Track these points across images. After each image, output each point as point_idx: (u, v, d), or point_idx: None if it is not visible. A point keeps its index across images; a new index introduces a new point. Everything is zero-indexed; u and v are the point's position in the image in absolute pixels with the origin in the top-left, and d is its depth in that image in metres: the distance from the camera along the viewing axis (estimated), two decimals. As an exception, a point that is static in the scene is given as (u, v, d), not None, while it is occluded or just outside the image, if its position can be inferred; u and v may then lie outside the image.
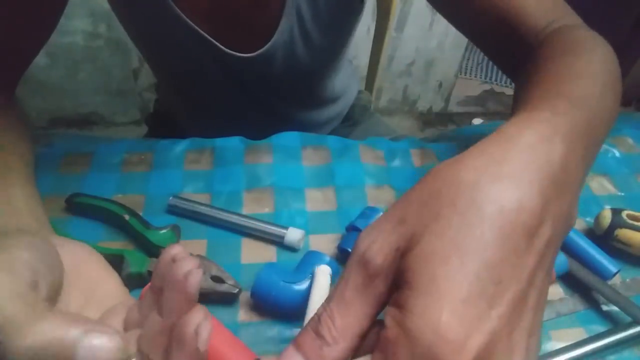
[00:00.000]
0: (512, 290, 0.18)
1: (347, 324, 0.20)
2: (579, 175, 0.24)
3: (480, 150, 0.22)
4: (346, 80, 0.74)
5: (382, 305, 0.20)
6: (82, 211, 0.43)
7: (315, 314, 0.21)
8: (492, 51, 0.48)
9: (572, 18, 0.44)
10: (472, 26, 0.48)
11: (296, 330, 0.37)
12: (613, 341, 0.36)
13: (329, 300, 0.21)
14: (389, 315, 0.19)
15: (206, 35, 0.51)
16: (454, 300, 0.17)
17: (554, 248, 0.21)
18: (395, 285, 0.20)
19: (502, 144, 0.22)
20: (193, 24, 0.50)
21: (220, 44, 0.52)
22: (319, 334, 0.20)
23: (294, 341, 0.20)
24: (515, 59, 0.43)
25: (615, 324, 0.39)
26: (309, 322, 0.21)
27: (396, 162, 0.51)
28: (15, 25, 0.41)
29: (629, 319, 0.38)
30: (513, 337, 0.18)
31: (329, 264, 0.38)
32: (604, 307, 0.40)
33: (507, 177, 0.20)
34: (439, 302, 0.17)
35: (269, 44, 0.52)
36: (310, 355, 0.20)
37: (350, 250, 0.40)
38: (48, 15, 0.45)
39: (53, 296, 0.22)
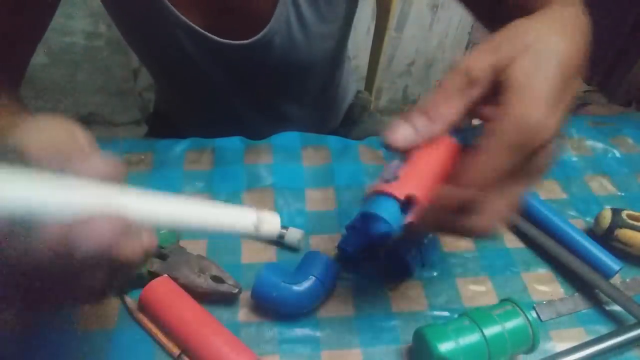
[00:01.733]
0: (569, 97, 0.29)
1: (445, 112, 0.28)
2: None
3: (543, 15, 0.31)
4: (345, 77, 0.74)
5: (469, 109, 0.29)
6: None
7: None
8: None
9: None
10: None
11: (297, 330, 0.37)
12: (616, 343, 0.36)
13: (434, 93, 0.29)
14: (496, 110, 0.27)
15: (199, 29, 0.50)
16: (543, 97, 0.27)
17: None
18: (490, 96, 0.28)
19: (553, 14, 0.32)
20: (186, 19, 0.49)
21: (216, 36, 0.52)
22: (425, 112, 0.28)
23: (404, 116, 0.29)
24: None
25: (616, 324, 0.39)
26: (419, 106, 0.29)
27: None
28: (12, 21, 0.42)
29: (628, 319, 0.38)
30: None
31: (328, 264, 0.38)
32: (605, 307, 0.40)
33: (563, 36, 0.30)
34: (536, 97, 0.27)
35: (265, 29, 0.51)
36: (416, 123, 0.29)
37: (349, 250, 0.40)
38: (43, 7, 0.45)
39: None
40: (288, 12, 0.51)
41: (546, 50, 0.28)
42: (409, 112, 0.29)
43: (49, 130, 0.24)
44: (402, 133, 0.29)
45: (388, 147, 0.29)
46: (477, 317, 0.34)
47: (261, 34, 0.52)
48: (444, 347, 0.32)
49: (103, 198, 0.21)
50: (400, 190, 0.28)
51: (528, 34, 0.29)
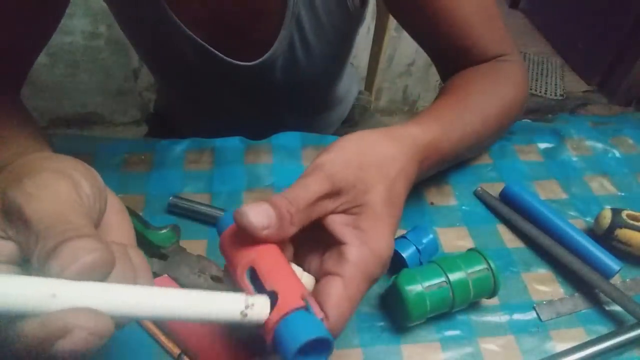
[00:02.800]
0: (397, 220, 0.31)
1: (303, 217, 0.27)
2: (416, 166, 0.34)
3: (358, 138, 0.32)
4: (347, 84, 0.74)
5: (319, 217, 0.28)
6: (82, 211, 0.43)
7: (292, 196, 0.27)
8: (441, 69, 0.53)
9: (514, 55, 0.49)
10: (427, 43, 0.52)
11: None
12: (616, 343, 0.36)
13: (298, 187, 0.27)
14: (351, 234, 0.28)
15: (206, 44, 0.51)
16: (391, 231, 0.30)
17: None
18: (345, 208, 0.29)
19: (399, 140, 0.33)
20: (192, 34, 0.50)
21: (221, 53, 0.52)
22: (287, 209, 0.26)
23: (270, 199, 0.26)
24: (451, 73, 0.49)
25: (616, 324, 0.39)
26: (282, 195, 0.27)
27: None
28: (20, 23, 0.42)
29: (628, 320, 0.38)
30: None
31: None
32: (605, 307, 0.40)
33: (402, 174, 0.32)
34: (387, 229, 0.29)
35: (269, 52, 0.52)
36: (281, 215, 0.26)
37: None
38: (51, 12, 0.45)
39: (96, 224, 0.25)
40: (292, 34, 0.51)
41: (401, 182, 0.31)
42: (274, 198, 0.26)
43: (51, 191, 0.22)
44: (261, 218, 0.25)
45: (242, 225, 0.25)
46: (443, 263, 0.37)
47: (265, 56, 0.52)
48: (412, 289, 0.35)
49: (83, 299, 0.19)
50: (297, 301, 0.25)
51: (394, 165, 0.31)
